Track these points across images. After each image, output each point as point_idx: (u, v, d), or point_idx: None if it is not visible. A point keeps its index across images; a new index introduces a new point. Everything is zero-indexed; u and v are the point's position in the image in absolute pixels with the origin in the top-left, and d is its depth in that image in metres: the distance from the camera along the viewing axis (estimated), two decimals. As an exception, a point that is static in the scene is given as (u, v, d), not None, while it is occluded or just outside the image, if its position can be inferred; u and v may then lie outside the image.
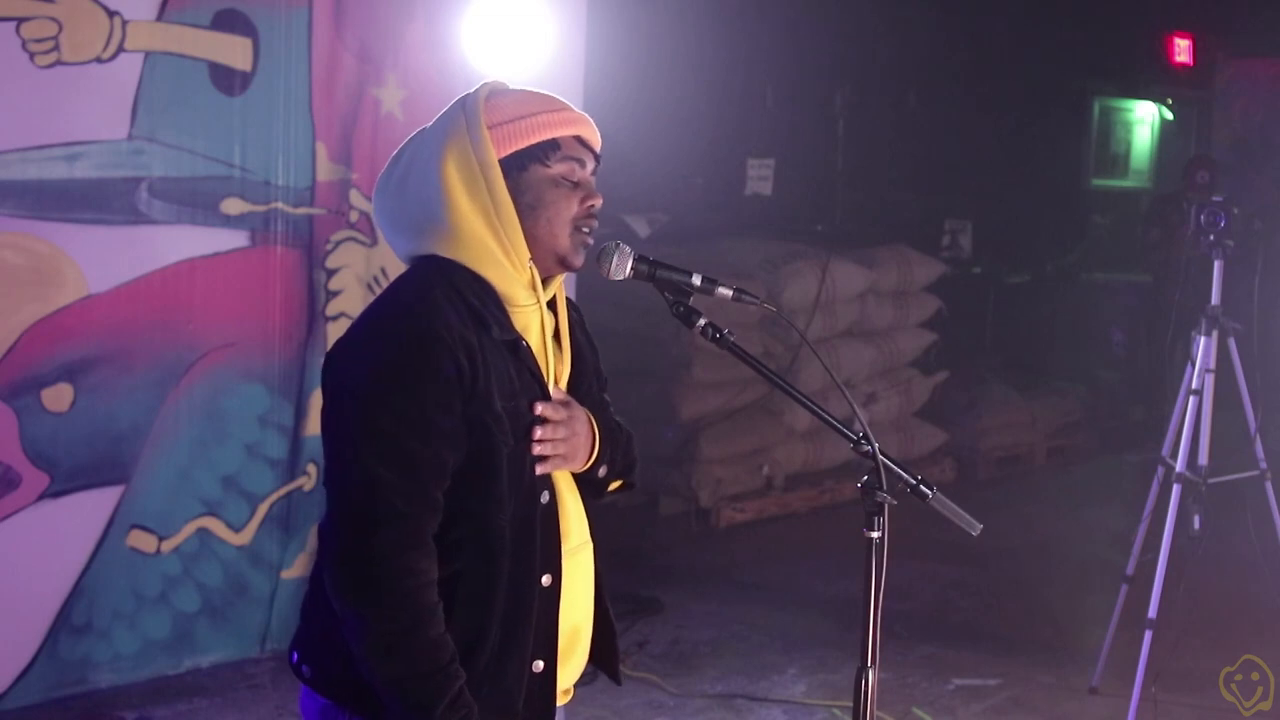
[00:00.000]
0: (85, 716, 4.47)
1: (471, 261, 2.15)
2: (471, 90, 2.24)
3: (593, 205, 2.23)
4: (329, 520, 2.11)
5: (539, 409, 2.19)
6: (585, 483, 2.32)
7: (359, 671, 2.14)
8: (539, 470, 2.20)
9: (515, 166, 2.17)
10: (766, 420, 7.37)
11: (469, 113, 2.18)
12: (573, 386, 2.32)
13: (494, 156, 2.16)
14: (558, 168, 2.19)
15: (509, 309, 2.18)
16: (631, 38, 7.06)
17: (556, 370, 2.28)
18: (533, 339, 2.21)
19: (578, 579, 2.28)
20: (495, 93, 2.23)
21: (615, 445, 2.33)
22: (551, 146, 2.19)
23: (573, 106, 2.26)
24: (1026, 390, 8.90)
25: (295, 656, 2.27)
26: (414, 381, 2.06)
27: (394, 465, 2.05)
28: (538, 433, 2.19)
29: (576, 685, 2.43)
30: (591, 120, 2.27)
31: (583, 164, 2.23)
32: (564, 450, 2.22)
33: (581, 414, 2.26)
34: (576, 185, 2.22)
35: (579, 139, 2.23)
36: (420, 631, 2.06)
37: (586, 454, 2.27)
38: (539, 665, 2.21)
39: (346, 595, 2.06)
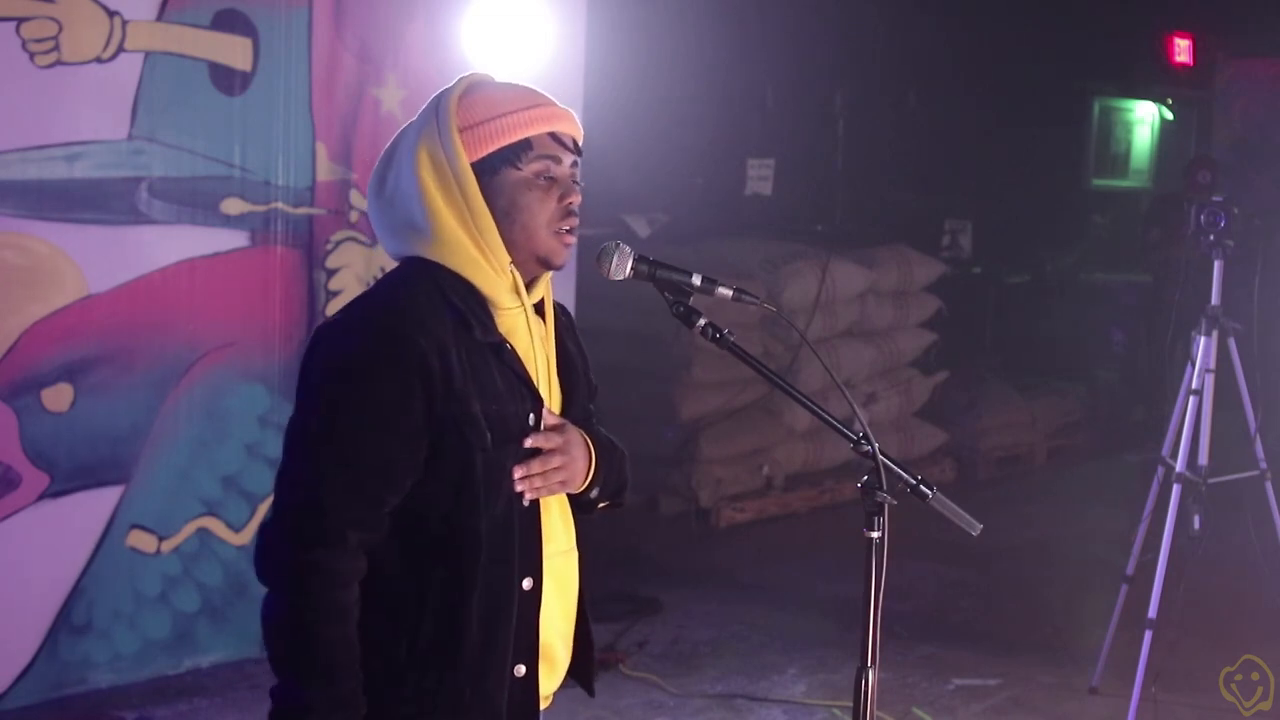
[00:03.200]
0: (85, 716, 4.47)
1: (454, 264, 2.13)
2: (450, 84, 2.19)
3: (571, 203, 2.18)
4: (275, 498, 2.14)
5: (529, 441, 2.16)
6: (573, 501, 2.29)
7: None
8: (525, 499, 2.16)
9: (487, 170, 2.14)
10: (766, 420, 7.37)
11: (440, 114, 2.14)
12: (564, 395, 2.29)
13: (465, 161, 2.12)
14: (530, 168, 2.15)
15: (494, 311, 2.16)
16: (631, 38, 7.05)
17: (546, 376, 2.25)
18: (519, 343, 2.19)
19: (560, 584, 2.25)
20: (470, 90, 2.18)
21: (610, 467, 2.29)
22: (523, 147, 2.15)
23: (551, 99, 2.21)
24: (1026, 390, 8.90)
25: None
26: (373, 379, 2.05)
27: (334, 460, 2.05)
28: (532, 466, 2.15)
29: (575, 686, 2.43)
30: (571, 113, 2.22)
31: (559, 161, 2.17)
32: (561, 478, 2.19)
33: (577, 437, 2.22)
34: (552, 184, 2.17)
35: (554, 135, 2.17)
36: (317, 629, 2.04)
37: (583, 478, 2.23)
38: (521, 670, 2.18)
39: (263, 575, 2.09)
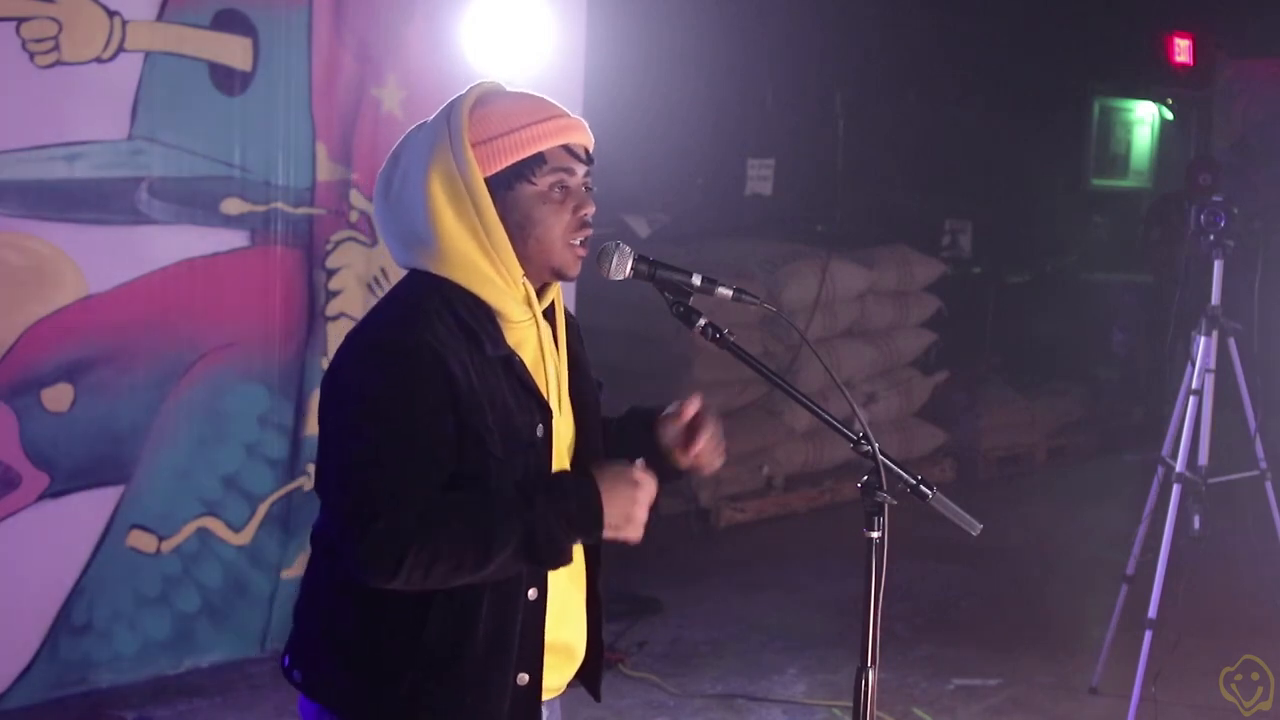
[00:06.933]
0: (85, 716, 4.47)
1: (462, 280, 2.13)
2: (461, 94, 2.19)
3: (585, 214, 2.19)
4: (335, 523, 2.10)
5: (695, 448, 2.28)
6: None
7: (349, 675, 2.15)
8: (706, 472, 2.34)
9: (501, 185, 2.13)
10: (766, 420, 7.37)
11: (453, 127, 2.13)
12: (574, 395, 2.30)
13: (479, 177, 2.12)
14: (545, 181, 2.15)
15: (503, 324, 2.16)
16: (631, 38, 7.05)
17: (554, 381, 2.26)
18: (527, 354, 2.19)
19: (569, 593, 2.27)
20: (482, 101, 2.17)
21: None
22: (537, 162, 2.14)
23: (563, 110, 2.20)
24: (1026, 390, 8.90)
25: (287, 660, 2.28)
26: (410, 390, 2.05)
27: (394, 464, 2.04)
28: (710, 452, 2.31)
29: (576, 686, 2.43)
30: (583, 123, 2.22)
31: (572, 172, 2.17)
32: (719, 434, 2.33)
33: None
34: (566, 195, 2.17)
35: (566, 147, 2.17)
36: (451, 530, 2.03)
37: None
38: (524, 678, 2.19)
39: (393, 582, 2.03)
